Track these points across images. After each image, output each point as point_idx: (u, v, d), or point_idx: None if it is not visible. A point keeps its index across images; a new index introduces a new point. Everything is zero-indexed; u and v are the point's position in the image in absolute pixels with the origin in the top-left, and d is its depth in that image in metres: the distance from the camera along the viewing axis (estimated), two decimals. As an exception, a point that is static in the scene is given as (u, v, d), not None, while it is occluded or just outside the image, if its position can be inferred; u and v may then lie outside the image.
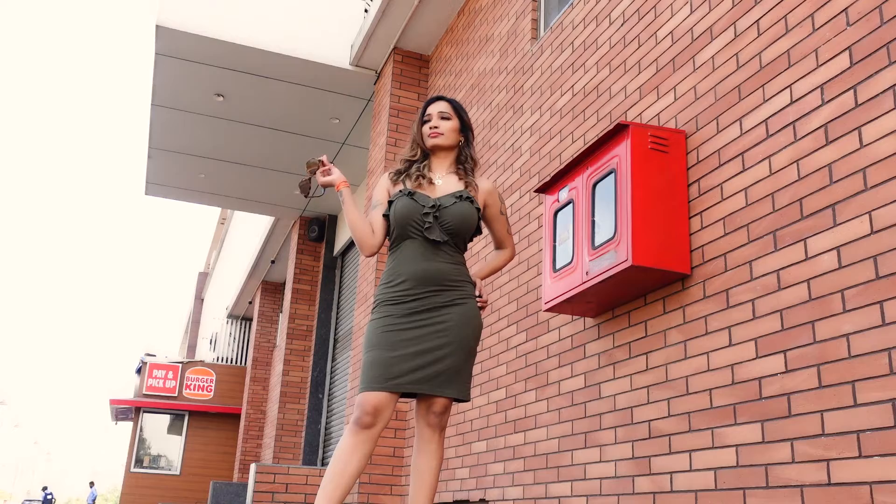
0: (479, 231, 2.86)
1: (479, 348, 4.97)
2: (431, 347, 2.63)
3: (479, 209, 2.81)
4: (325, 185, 2.83)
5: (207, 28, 7.28)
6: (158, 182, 10.54)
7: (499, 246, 3.03)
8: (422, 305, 2.67)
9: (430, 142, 2.87)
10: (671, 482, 3.01)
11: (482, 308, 2.83)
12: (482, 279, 2.95)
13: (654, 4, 3.66)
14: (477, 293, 2.83)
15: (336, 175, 2.83)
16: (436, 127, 2.87)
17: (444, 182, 2.85)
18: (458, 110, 2.93)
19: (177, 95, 8.29)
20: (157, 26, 7.20)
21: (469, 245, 2.91)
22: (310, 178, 2.89)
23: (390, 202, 2.81)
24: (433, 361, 2.62)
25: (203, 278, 28.21)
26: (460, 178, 2.86)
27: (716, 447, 2.81)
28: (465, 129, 2.93)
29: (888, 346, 2.20)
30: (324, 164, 2.84)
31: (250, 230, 14.56)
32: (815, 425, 2.40)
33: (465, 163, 2.90)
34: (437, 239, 2.72)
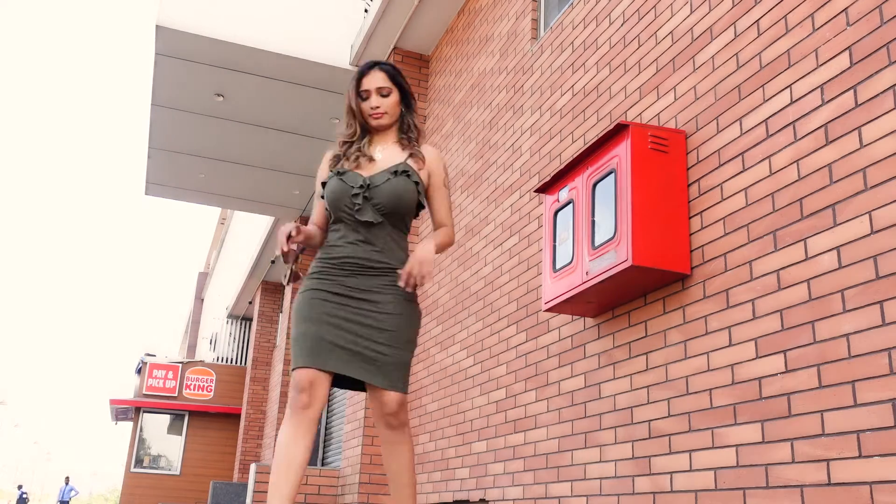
0: (421, 206, 2.67)
1: (483, 349, 4.97)
2: (365, 334, 2.47)
3: (418, 183, 2.61)
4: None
5: (207, 28, 7.28)
6: (158, 182, 10.54)
7: (437, 224, 2.74)
8: (356, 287, 2.51)
9: (373, 123, 2.66)
10: (671, 482, 3.01)
11: (418, 286, 2.55)
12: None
13: (654, 4, 3.66)
14: (406, 272, 2.50)
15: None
16: (377, 107, 2.64)
17: (384, 155, 2.65)
18: (397, 79, 2.68)
19: (177, 95, 8.29)
20: (157, 26, 7.20)
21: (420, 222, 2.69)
22: (291, 270, 2.66)
23: (324, 184, 2.64)
24: (366, 348, 2.46)
25: (203, 278, 28.22)
26: (404, 149, 2.66)
27: (716, 447, 2.81)
28: (406, 96, 2.70)
29: (888, 346, 2.20)
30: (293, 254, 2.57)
31: (250, 230, 14.56)
32: (815, 425, 2.40)
33: (408, 132, 2.70)
34: (370, 220, 2.55)
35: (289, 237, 2.47)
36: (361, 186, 2.56)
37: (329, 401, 10.52)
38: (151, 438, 15.80)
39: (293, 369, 2.46)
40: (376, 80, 2.66)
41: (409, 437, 2.60)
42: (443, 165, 2.72)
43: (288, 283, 2.62)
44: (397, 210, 2.58)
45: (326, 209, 2.63)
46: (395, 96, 2.67)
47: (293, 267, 2.62)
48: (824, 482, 2.33)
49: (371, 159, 2.63)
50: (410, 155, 2.65)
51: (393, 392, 2.48)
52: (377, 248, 2.55)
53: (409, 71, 7.04)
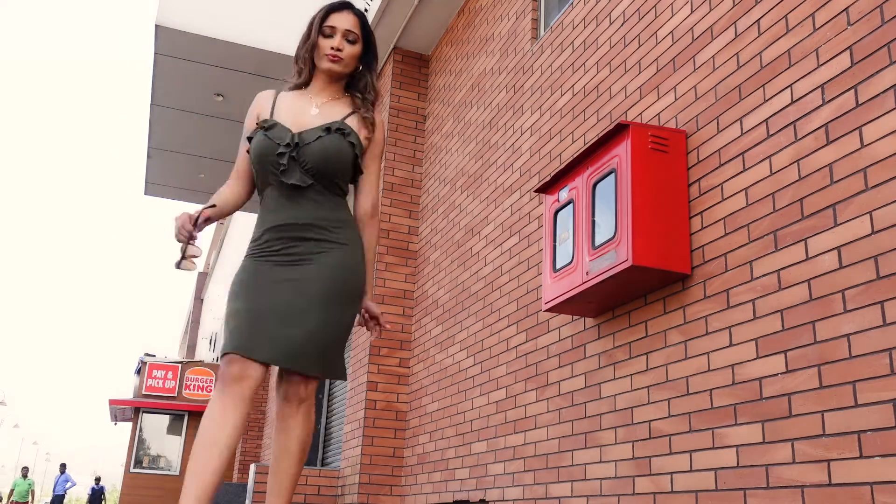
0: (360, 171, 2.43)
1: (483, 350, 4.97)
2: (293, 313, 2.21)
3: (354, 144, 2.36)
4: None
5: (207, 28, 7.28)
6: (158, 182, 10.54)
7: (358, 192, 2.48)
8: (289, 254, 2.27)
9: (324, 64, 2.42)
10: (671, 483, 3.01)
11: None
12: None
13: (654, 4, 3.66)
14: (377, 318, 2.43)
15: (198, 247, 2.38)
16: (339, 50, 2.39)
17: (322, 110, 2.41)
18: (366, 31, 2.45)
19: (176, 95, 8.28)
20: (157, 26, 7.20)
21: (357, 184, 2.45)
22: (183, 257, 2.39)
23: (251, 138, 2.40)
24: (294, 332, 2.21)
25: (203, 278, 28.22)
26: (354, 109, 2.43)
27: (716, 447, 2.81)
28: (370, 55, 2.47)
29: (889, 346, 2.20)
30: (192, 241, 2.37)
31: (250, 230, 14.56)
32: (815, 426, 2.40)
33: (365, 92, 2.45)
34: (298, 183, 2.29)
35: (195, 223, 2.26)
36: (288, 145, 2.31)
37: (329, 401, 10.52)
38: (151, 439, 15.79)
39: (223, 353, 2.20)
40: (347, 21, 2.42)
41: (307, 416, 2.32)
42: (383, 134, 2.51)
43: (178, 265, 2.33)
44: (329, 171, 2.32)
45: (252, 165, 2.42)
46: (358, 48, 2.43)
47: (185, 247, 2.36)
48: (825, 482, 2.33)
49: (306, 111, 2.40)
50: (363, 119, 2.41)
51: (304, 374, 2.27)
52: (305, 213, 2.30)
53: (409, 71, 7.04)
